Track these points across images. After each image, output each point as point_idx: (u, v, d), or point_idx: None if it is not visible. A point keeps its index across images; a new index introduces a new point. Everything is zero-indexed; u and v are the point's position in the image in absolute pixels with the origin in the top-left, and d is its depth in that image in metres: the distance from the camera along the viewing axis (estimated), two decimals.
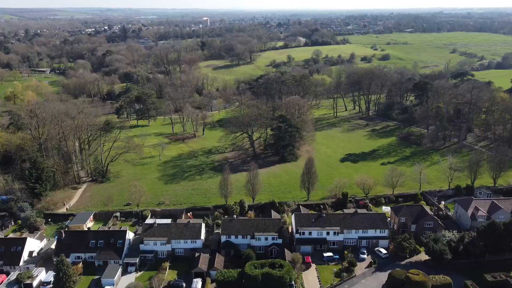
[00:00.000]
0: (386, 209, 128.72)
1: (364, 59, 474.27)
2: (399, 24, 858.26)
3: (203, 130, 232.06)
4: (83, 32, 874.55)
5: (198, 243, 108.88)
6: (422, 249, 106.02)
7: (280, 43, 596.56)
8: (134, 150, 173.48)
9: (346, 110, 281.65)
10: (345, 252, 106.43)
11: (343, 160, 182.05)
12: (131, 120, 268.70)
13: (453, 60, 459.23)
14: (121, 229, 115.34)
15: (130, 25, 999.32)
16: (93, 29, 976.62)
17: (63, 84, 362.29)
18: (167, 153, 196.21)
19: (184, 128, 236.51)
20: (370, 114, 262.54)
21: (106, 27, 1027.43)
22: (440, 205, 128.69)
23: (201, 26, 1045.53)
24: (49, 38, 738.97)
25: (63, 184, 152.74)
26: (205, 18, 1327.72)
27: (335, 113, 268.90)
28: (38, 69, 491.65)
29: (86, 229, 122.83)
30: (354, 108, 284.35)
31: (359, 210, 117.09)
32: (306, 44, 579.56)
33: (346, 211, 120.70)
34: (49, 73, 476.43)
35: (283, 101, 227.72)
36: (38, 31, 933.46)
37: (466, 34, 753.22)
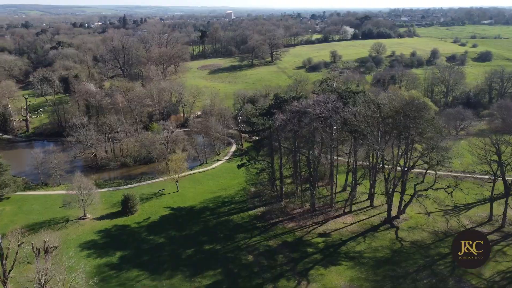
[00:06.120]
0: None
1: (452, 58, 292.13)
2: (471, 15, 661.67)
3: None
4: (92, 26, 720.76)
5: None
6: None
7: (317, 36, 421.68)
8: None
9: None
10: None
11: None
12: None
13: None
14: None
15: (148, 18, 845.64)
16: (101, 23, 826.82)
17: None
18: None
19: None
20: None
21: (117, 22, 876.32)
22: None
23: (223, 19, 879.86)
24: (32, 30, 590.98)
25: None
26: (228, 12, 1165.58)
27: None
28: None
29: None
30: None
31: None
32: (355, 37, 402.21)
33: None
34: None
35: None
36: (44, 24, 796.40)
37: None
